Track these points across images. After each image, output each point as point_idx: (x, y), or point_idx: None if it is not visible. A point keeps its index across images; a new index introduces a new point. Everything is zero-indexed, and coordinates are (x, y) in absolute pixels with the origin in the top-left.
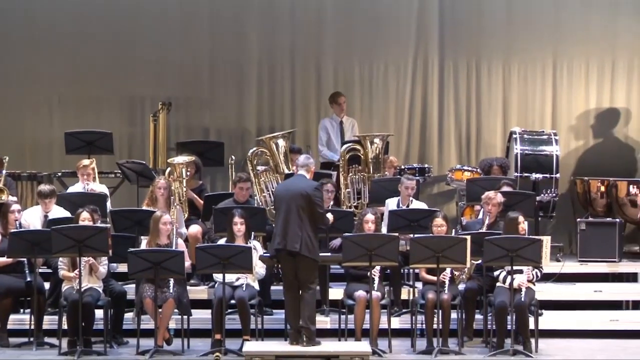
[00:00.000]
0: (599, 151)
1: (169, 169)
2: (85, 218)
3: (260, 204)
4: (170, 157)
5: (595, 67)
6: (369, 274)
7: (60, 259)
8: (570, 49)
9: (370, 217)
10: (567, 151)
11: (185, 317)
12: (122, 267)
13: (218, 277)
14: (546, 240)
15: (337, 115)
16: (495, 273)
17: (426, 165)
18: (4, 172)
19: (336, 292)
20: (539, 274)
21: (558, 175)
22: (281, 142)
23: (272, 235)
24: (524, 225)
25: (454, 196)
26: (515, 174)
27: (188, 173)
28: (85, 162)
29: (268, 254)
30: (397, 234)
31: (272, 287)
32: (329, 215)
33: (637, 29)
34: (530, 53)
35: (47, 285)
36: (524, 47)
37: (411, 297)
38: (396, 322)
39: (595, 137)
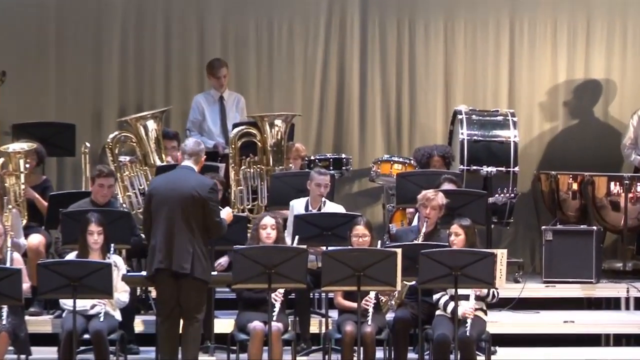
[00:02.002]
0: (572, 137)
1: (2, 160)
2: None
3: (124, 206)
4: (4, 145)
5: (565, 29)
6: (267, 298)
7: None
8: (532, 6)
9: (268, 221)
10: (528, 137)
11: (22, 356)
12: None
13: (67, 303)
14: (501, 255)
15: (215, 90)
16: (435, 297)
17: (343, 156)
18: None
19: (224, 324)
20: (496, 293)
21: (517, 168)
22: (151, 125)
23: (150, 249)
24: (457, 237)
25: (381, 196)
26: (461, 166)
27: (27, 165)
28: None
29: (134, 274)
30: (305, 246)
31: (139, 317)
32: (226, 213)
33: None
34: (481, 10)
35: None
36: (473, 1)
37: (323, 330)
38: None
39: (566, 118)
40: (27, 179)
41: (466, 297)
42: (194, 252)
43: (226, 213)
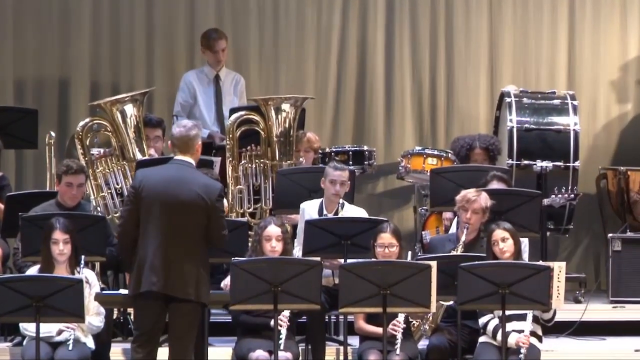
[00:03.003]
0: None
1: None
2: None
3: (97, 210)
4: None
5: None
6: (272, 322)
7: None
8: None
9: (273, 231)
10: (592, 125)
11: None
12: None
13: (28, 328)
14: (559, 269)
15: (211, 67)
16: (481, 321)
17: (366, 148)
18: None
19: (220, 353)
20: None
21: (578, 163)
22: (130, 110)
23: (137, 262)
24: (505, 242)
25: (411, 197)
26: (510, 161)
27: None
28: None
29: (110, 292)
30: (318, 259)
31: (116, 345)
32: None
33: None
34: None
35: None
36: None
37: None
38: None
39: (638, 102)
40: None
41: (522, 317)
42: (198, 273)
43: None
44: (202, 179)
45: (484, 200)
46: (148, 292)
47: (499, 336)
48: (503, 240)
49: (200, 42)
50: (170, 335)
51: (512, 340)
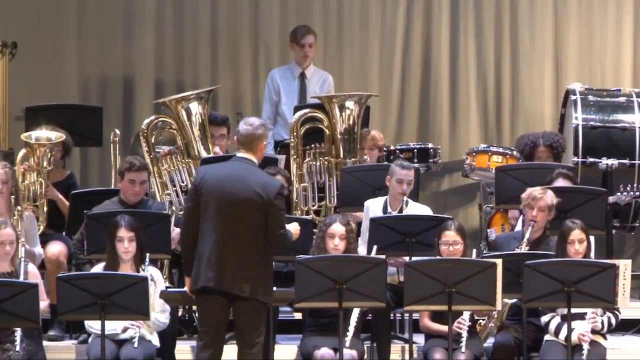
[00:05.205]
0: None
1: (23, 150)
2: None
3: (171, 207)
4: (26, 131)
5: None
6: (339, 320)
7: None
8: None
9: (337, 229)
10: None
11: None
12: None
13: (93, 326)
14: (625, 266)
15: (297, 64)
16: (543, 320)
17: (431, 146)
18: None
19: (286, 351)
20: (612, 320)
21: None
22: (195, 108)
23: (196, 259)
24: (581, 244)
25: (476, 195)
26: (575, 158)
27: (52, 158)
28: None
29: (175, 290)
30: (383, 256)
31: (181, 343)
32: (294, 227)
33: None
34: None
35: None
36: None
37: (407, 359)
38: None
39: None
40: (51, 174)
41: (581, 316)
42: (255, 271)
43: (293, 228)
44: (261, 176)
45: (550, 198)
46: (205, 288)
47: (561, 335)
48: (580, 242)
49: (289, 38)
50: (236, 331)
51: (574, 336)
